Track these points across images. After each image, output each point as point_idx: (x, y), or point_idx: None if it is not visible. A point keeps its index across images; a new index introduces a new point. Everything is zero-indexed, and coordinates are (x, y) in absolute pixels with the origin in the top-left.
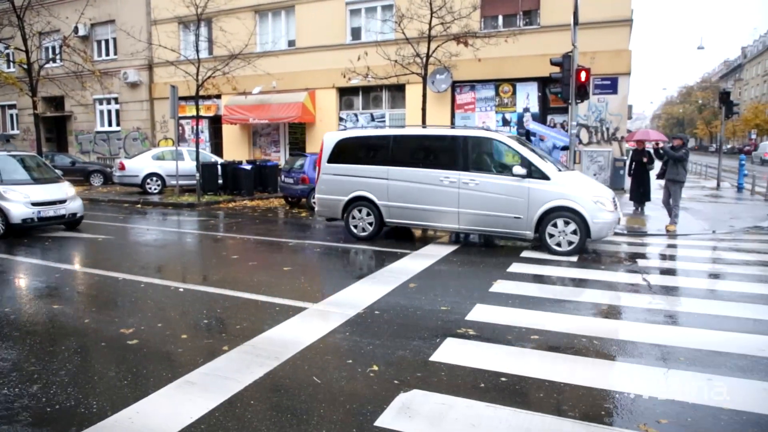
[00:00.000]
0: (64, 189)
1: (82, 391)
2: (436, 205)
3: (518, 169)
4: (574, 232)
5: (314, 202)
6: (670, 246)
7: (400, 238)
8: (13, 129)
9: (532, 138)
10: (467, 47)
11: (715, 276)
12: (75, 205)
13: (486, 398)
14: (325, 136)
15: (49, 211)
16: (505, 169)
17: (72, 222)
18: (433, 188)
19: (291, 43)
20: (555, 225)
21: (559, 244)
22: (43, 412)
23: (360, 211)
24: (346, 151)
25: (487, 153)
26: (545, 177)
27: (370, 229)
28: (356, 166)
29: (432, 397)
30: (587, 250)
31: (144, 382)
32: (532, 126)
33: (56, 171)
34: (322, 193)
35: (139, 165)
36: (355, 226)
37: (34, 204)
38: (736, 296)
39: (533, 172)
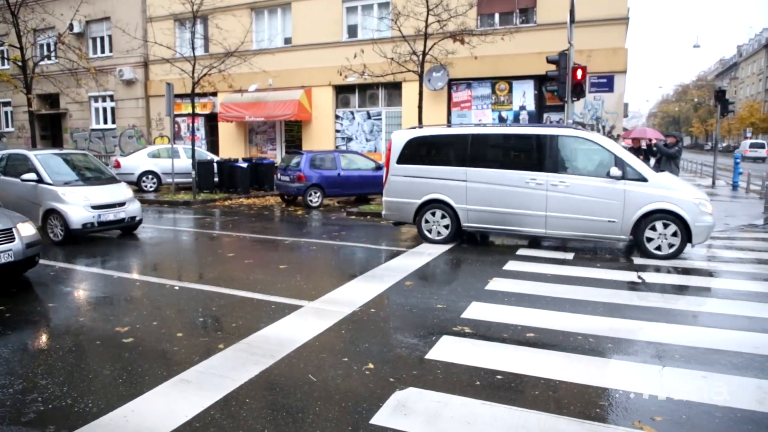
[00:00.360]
0: (123, 190)
1: (77, 389)
2: (520, 208)
3: (615, 171)
4: (675, 236)
5: (311, 202)
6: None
7: (404, 237)
8: (7, 126)
9: None
10: (464, 45)
11: (710, 274)
12: (134, 208)
13: (481, 396)
14: (394, 135)
15: (109, 215)
16: (597, 170)
17: (130, 226)
18: (517, 191)
19: (287, 40)
20: (654, 229)
21: (658, 248)
22: (38, 411)
23: (434, 214)
24: (418, 151)
25: (577, 153)
26: (642, 178)
27: (446, 233)
28: (430, 167)
29: (427, 395)
30: (584, 249)
31: (139, 381)
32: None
33: (110, 171)
34: (391, 195)
35: (135, 163)
36: (429, 231)
37: (94, 207)
38: (731, 294)
39: (629, 173)
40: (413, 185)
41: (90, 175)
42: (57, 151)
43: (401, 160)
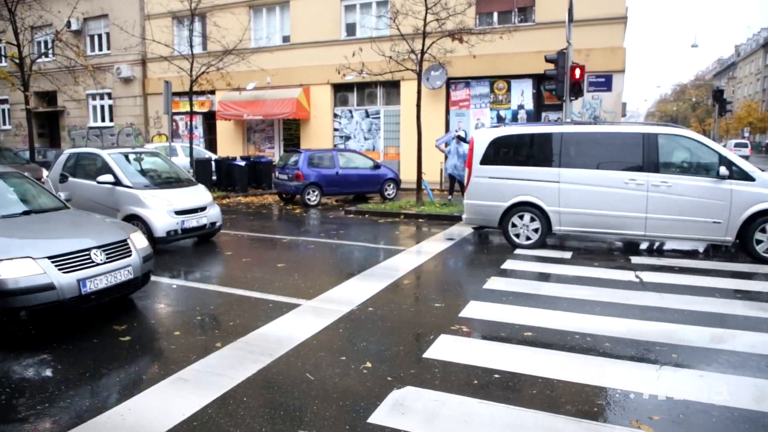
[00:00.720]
0: (203, 194)
1: (74, 388)
2: (618, 210)
3: (723, 170)
4: None
5: (309, 201)
6: (662, 243)
7: (403, 236)
8: (5, 124)
9: None
10: (462, 44)
11: (706, 273)
12: (214, 213)
13: (479, 395)
14: (476, 134)
15: (192, 221)
16: (700, 170)
17: (209, 233)
18: (615, 192)
19: (285, 38)
20: (765, 230)
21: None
22: (35, 409)
23: (523, 218)
24: (503, 151)
25: (678, 152)
26: (749, 178)
27: (535, 237)
28: (518, 168)
29: (425, 393)
30: (582, 248)
31: (136, 379)
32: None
33: (186, 172)
34: (474, 198)
35: None
36: (517, 235)
37: (177, 212)
38: (729, 293)
39: (735, 173)
40: (499, 187)
41: (167, 176)
42: (129, 150)
43: (485, 160)
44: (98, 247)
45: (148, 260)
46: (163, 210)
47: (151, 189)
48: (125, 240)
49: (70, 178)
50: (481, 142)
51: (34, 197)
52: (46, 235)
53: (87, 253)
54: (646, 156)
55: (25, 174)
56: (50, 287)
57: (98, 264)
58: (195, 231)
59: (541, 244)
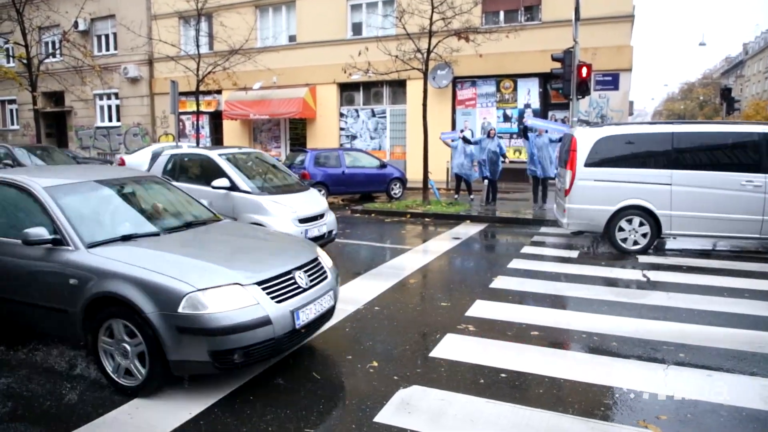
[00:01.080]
0: (319, 199)
1: (80, 387)
2: (734, 213)
3: None
4: None
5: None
6: (669, 242)
7: (409, 235)
8: (13, 124)
9: (530, 134)
10: (468, 43)
11: (714, 272)
12: (331, 221)
13: (485, 394)
14: (579, 134)
15: (314, 230)
16: None
17: (326, 243)
18: (731, 194)
19: (292, 38)
20: None
21: None
22: (41, 408)
23: (631, 222)
24: (609, 152)
25: None
26: None
27: (644, 242)
28: (625, 170)
29: (431, 392)
30: (588, 247)
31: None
32: (531, 122)
33: (293, 173)
34: (579, 202)
35: (140, 161)
36: (624, 240)
37: (301, 221)
38: (737, 292)
39: None
40: (605, 191)
41: (279, 180)
42: (235, 150)
43: (590, 162)
44: (298, 268)
45: (337, 281)
46: (287, 218)
47: (271, 194)
48: (317, 258)
49: (173, 183)
50: (585, 143)
51: (184, 206)
52: (238, 256)
53: (291, 276)
54: (764, 156)
55: (163, 178)
56: (266, 322)
57: (305, 289)
58: (315, 241)
59: (648, 248)
